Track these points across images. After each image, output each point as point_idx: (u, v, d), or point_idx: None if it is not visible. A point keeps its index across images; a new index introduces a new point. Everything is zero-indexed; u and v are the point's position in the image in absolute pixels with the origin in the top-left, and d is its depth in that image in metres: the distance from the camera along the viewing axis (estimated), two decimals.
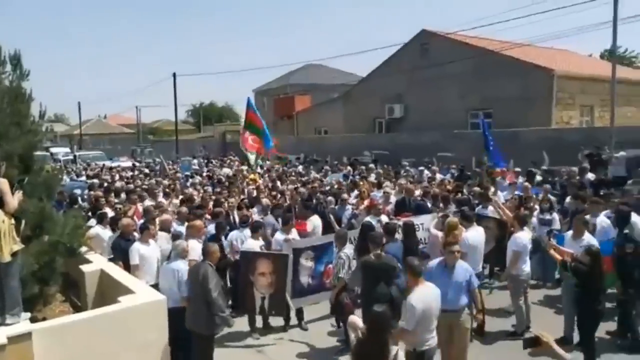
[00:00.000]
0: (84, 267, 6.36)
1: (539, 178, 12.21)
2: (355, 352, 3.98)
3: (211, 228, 7.84)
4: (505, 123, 18.99)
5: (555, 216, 8.57)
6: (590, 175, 11.67)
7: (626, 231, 6.82)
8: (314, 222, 8.51)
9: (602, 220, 7.55)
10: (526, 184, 10.75)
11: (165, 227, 7.80)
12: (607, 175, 11.93)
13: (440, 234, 7.19)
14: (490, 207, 8.67)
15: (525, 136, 17.55)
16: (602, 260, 5.76)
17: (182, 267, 6.00)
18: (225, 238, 7.69)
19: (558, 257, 6.21)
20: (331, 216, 9.11)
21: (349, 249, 6.61)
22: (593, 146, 14.02)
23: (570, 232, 6.73)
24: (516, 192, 10.31)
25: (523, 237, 6.81)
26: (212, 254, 5.76)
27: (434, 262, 5.60)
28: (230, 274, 7.70)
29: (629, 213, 7.19)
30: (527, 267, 6.88)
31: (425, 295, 4.73)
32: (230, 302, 7.69)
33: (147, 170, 20.11)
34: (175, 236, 7.34)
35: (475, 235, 6.83)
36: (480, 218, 7.88)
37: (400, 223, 7.84)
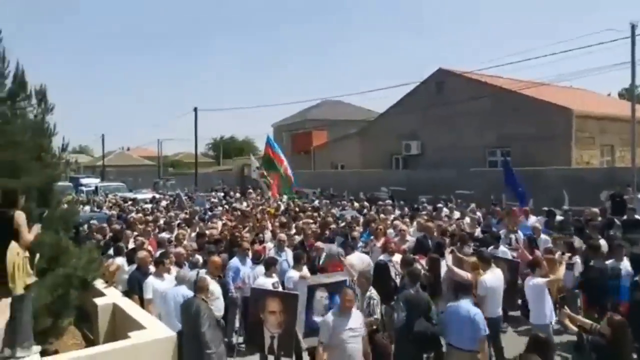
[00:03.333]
0: (98, 300, 6.38)
1: (559, 218, 11.96)
2: None
3: None
4: (524, 161, 18.82)
5: (578, 260, 8.27)
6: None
7: (636, 278, 6.60)
8: (351, 259, 7.99)
9: (626, 264, 7.31)
10: (537, 224, 10.50)
11: (178, 261, 7.81)
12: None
13: (462, 273, 6.97)
14: (502, 248, 8.46)
15: (546, 175, 17.35)
16: (627, 333, 4.66)
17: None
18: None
19: (574, 328, 5.67)
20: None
21: (374, 290, 6.35)
22: (616, 186, 13.77)
23: None
24: (521, 233, 9.97)
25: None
26: (203, 289, 5.74)
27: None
28: (240, 311, 7.66)
29: None
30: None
31: None
32: (237, 339, 7.70)
33: (164, 203, 20.27)
34: (194, 264, 7.56)
35: (493, 278, 6.65)
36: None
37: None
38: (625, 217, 11.44)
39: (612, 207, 12.81)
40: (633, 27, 13.97)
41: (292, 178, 12.58)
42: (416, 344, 5.75)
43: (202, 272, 6.90)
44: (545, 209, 12.67)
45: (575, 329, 5.57)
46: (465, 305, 5.53)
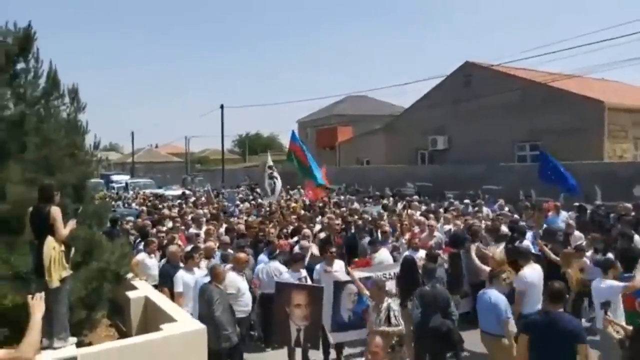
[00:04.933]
0: (130, 294, 6.54)
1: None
2: None
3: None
4: (554, 155, 18.35)
5: (611, 257, 7.99)
6: None
7: None
8: (381, 256, 7.99)
9: None
10: (570, 221, 10.20)
11: (208, 255, 7.93)
12: None
13: (487, 269, 6.89)
14: (525, 242, 8.32)
15: (577, 170, 16.89)
16: None
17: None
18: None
19: (615, 335, 5.09)
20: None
21: (391, 300, 5.89)
22: None
23: None
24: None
25: None
26: (218, 276, 6.17)
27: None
28: (258, 307, 7.62)
29: None
30: None
31: None
32: (255, 333, 7.88)
33: (193, 199, 20.55)
34: (225, 257, 7.82)
35: (533, 272, 6.51)
36: None
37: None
38: None
39: None
40: None
41: (319, 170, 12.37)
42: (433, 340, 5.75)
43: (229, 266, 7.03)
44: (576, 204, 12.37)
45: (616, 336, 5.02)
46: (489, 291, 5.81)
